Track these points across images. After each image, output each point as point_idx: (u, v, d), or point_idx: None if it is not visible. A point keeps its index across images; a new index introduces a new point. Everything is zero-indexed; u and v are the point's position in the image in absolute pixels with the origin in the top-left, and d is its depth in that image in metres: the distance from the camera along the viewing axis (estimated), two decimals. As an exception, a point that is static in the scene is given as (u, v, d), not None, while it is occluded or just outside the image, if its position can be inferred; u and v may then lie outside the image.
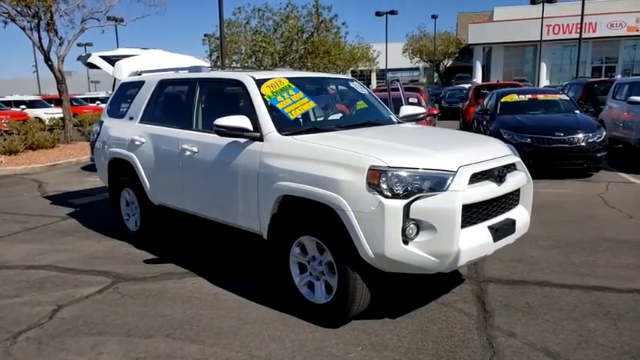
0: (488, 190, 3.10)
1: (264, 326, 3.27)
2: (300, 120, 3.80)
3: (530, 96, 9.36)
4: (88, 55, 5.66)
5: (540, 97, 9.37)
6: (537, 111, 9.00)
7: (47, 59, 13.00)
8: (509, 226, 3.25)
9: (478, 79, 41.63)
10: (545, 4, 32.14)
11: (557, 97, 9.42)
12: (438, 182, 2.87)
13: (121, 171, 5.05)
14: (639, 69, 38.93)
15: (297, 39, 21.76)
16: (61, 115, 15.21)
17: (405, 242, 2.84)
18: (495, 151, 3.37)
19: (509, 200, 3.37)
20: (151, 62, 5.55)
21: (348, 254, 3.00)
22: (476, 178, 3.01)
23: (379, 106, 4.54)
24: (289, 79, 3.99)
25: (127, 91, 5.27)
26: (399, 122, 4.42)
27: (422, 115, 4.67)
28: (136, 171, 4.73)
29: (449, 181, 2.88)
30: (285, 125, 3.64)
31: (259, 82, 3.81)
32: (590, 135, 7.76)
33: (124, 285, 4.05)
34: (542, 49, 35.65)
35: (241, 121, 3.52)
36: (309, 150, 3.26)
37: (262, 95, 3.73)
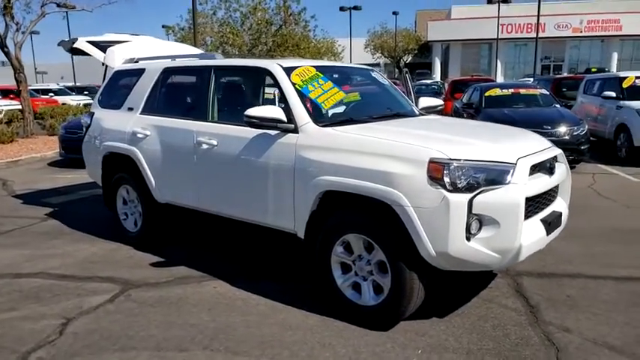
0: (544, 183, 3.02)
1: (308, 332, 3.04)
2: (334, 111, 3.57)
3: (512, 90, 9.52)
4: (74, 40, 5.15)
5: (522, 91, 9.55)
6: (520, 105, 9.16)
7: (3, 46, 11.98)
8: (557, 219, 3.18)
9: (437, 75, 42.49)
10: (501, 4, 33.20)
11: (537, 91, 9.64)
12: (499, 175, 2.75)
13: (119, 167, 4.64)
14: (583, 68, 40.99)
15: (265, 31, 21.27)
16: (12, 107, 14.13)
17: (468, 239, 2.70)
18: (542, 143, 3.30)
19: (554, 192, 3.31)
20: (146, 49, 5.14)
21: (404, 252, 2.82)
22: (532, 170, 2.91)
23: (401, 98, 4.38)
24: (316, 67, 3.76)
25: (121, 80, 4.85)
26: (421, 114, 4.28)
27: (440, 107, 4.55)
28: (139, 167, 4.34)
29: (510, 174, 2.76)
30: (320, 116, 3.42)
31: (288, 70, 3.55)
32: (575, 128, 7.97)
33: (137, 292, 3.69)
34: (497, 47, 36.81)
35: (275, 111, 3.27)
36: (356, 142, 3.04)
37: (293, 84, 3.48)
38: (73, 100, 23.09)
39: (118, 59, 4.97)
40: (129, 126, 4.43)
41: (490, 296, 3.48)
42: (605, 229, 4.94)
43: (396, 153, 2.84)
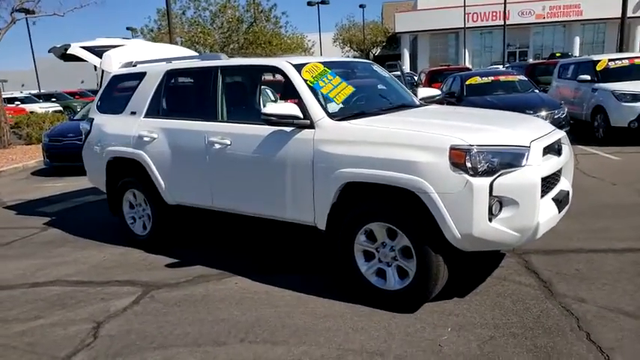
0: (554, 163, 3.20)
1: (338, 319, 3.14)
2: (345, 104, 3.67)
3: (492, 78, 9.81)
4: (66, 47, 5.07)
5: (502, 78, 9.85)
6: (500, 91, 9.45)
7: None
8: (565, 197, 3.37)
9: (407, 66, 43.00)
10: (466, -7, 33.86)
11: (516, 78, 9.96)
12: (516, 158, 2.90)
13: (124, 171, 4.62)
14: (547, 53, 42.14)
15: (236, 29, 21.20)
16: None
17: (490, 220, 2.85)
18: (547, 126, 3.48)
19: (560, 173, 3.50)
20: (141, 52, 5.11)
21: (430, 237, 2.95)
22: (544, 152, 3.08)
23: (403, 90, 4.51)
24: (322, 63, 3.84)
25: (120, 84, 4.82)
26: (421, 104, 4.41)
27: (438, 97, 4.71)
28: (147, 170, 4.34)
29: (525, 156, 2.92)
30: (334, 110, 3.51)
31: (298, 67, 3.63)
32: (555, 112, 8.29)
33: (160, 293, 3.72)
34: (464, 36, 37.52)
35: (291, 108, 3.35)
36: (375, 134, 3.15)
37: (305, 80, 3.56)
38: (41, 107, 22.30)
39: (115, 64, 4.92)
40: (134, 130, 4.41)
41: (503, 274, 3.66)
42: (597, 205, 5.21)
43: (416, 142, 2.96)
